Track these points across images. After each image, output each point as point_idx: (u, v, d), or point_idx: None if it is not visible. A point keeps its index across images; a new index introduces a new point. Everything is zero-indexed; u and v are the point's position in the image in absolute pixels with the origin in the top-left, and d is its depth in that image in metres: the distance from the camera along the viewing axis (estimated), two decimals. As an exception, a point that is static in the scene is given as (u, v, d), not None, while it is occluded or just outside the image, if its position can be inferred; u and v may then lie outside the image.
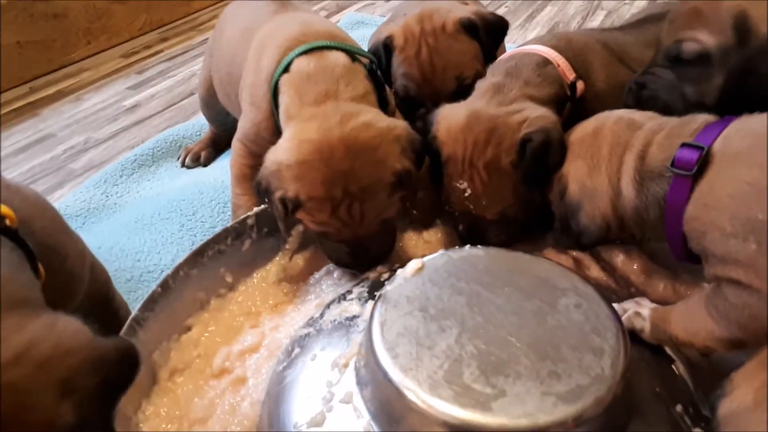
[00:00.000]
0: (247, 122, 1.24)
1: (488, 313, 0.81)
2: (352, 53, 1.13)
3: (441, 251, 0.93)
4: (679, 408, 0.81)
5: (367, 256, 1.08)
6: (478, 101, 1.08)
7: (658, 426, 0.80)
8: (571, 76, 1.11)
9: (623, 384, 0.73)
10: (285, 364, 0.93)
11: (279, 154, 1.01)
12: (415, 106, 1.30)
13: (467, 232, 1.10)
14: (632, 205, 0.88)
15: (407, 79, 1.27)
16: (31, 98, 2.20)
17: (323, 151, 0.97)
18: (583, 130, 0.98)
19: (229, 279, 1.13)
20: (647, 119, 0.93)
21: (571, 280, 0.86)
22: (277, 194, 1.00)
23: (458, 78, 1.25)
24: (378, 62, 1.32)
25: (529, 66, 1.10)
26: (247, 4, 1.38)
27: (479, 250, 0.93)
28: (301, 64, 1.10)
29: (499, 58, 1.20)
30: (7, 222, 0.76)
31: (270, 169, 1.02)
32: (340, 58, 1.11)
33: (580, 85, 1.11)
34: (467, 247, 0.94)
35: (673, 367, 0.89)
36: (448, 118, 1.08)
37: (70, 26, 2.40)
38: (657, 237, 0.88)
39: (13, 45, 2.21)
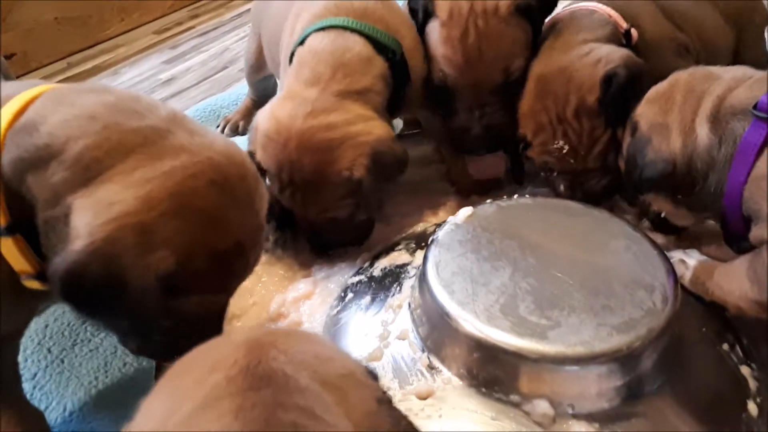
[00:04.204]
0: (282, 83, 1.26)
1: (540, 255, 0.84)
2: (376, 41, 1.05)
3: (490, 200, 0.96)
4: (725, 346, 0.84)
5: (317, 240, 1.10)
6: (537, 64, 1.09)
7: (704, 362, 0.82)
8: (624, 24, 1.11)
9: (674, 318, 0.76)
10: (339, 308, 0.97)
11: (260, 115, 1.05)
12: (446, 98, 1.15)
13: (569, 188, 1.11)
14: (705, 143, 0.87)
15: (448, 65, 1.11)
16: (69, 73, 2.24)
17: (281, 135, 0.99)
18: (657, 87, 0.98)
19: (271, 236, 1.17)
20: (724, 72, 0.92)
21: (620, 225, 0.89)
22: (249, 147, 1.06)
23: (506, 71, 1.10)
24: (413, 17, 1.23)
25: (578, 18, 1.11)
26: None
27: (528, 199, 0.96)
28: (314, 40, 1.06)
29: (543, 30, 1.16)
30: None
31: (253, 123, 1.06)
32: (357, 44, 1.04)
33: (634, 32, 1.11)
34: (515, 196, 0.97)
35: (718, 310, 0.91)
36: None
37: (104, 3, 2.44)
38: (717, 183, 0.87)
39: (51, 21, 2.26)
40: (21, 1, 2.14)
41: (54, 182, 0.64)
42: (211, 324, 0.74)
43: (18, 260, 0.68)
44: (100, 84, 0.76)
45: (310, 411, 0.42)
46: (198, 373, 0.46)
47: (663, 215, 0.99)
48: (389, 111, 1.11)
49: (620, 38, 1.10)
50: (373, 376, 0.51)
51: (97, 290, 0.61)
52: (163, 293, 0.64)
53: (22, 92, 0.70)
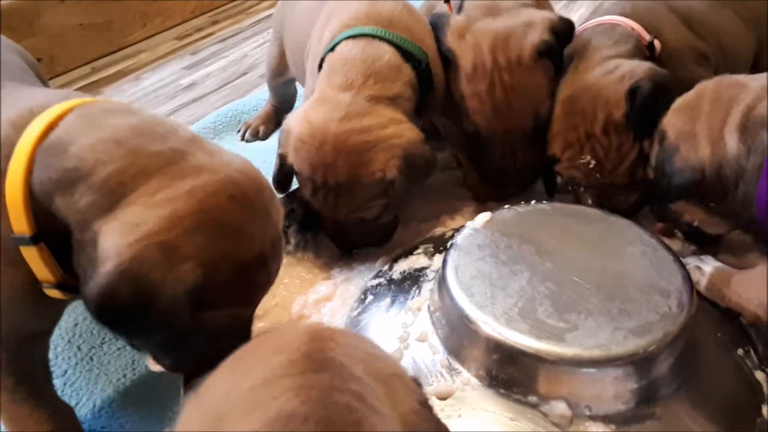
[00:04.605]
0: (308, 89, 1.29)
1: (557, 260, 0.86)
2: (404, 50, 1.09)
3: (507, 206, 0.98)
4: (740, 352, 0.86)
5: (344, 240, 1.13)
6: (563, 88, 1.10)
7: (719, 366, 0.84)
8: (647, 36, 1.12)
9: (689, 322, 0.78)
10: (359, 310, 0.99)
11: (291, 119, 1.08)
12: (479, 145, 1.18)
13: (597, 203, 1.12)
14: (734, 152, 0.86)
15: (478, 118, 1.14)
16: (93, 78, 2.30)
17: (316, 138, 1.02)
18: (683, 96, 0.98)
19: (293, 240, 1.20)
20: (751, 80, 0.92)
21: (635, 231, 0.91)
22: (280, 150, 1.09)
23: (535, 115, 1.13)
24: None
25: (600, 34, 1.12)
26: None
27: (545, 205, 0.97)
28: (344, 48, 1.09)
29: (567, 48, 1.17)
30: None
31: (284, 127, 1.10)
32: (387, 53, 1.08)
33: (657, 44, 1.11)
34: (533, 202, 0.98)
35: (733, 316, 0.92)
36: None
37: (127, 9, 2.49)
38: (747, 192, 0.86)
39: (76, 26, 2.31)
40: (48, 8, 2.19)
41: (81, 206, 0.66)
42: (238, 338, 0.76)
43: (41, 269, 0.70)
44: (126, 104, 0.78)
45: (362, 397, 0.44)
46: (262, 354, 0.49)
47: (696, 224, 0.99)
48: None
49: (644, 51, 1.11)
50: (417, 383, 0.53)
51: (130, 309, 0.63)
52: (192, 307, 0.66)
53: (55, 105, 0.72)
